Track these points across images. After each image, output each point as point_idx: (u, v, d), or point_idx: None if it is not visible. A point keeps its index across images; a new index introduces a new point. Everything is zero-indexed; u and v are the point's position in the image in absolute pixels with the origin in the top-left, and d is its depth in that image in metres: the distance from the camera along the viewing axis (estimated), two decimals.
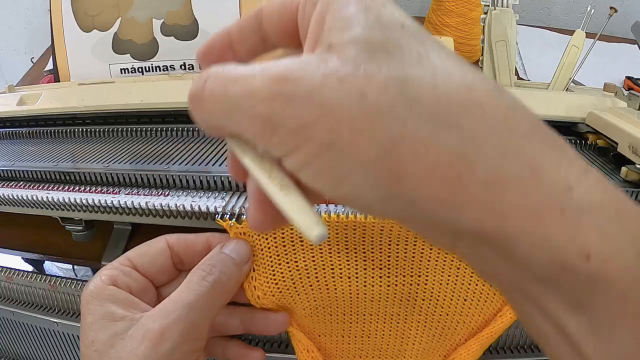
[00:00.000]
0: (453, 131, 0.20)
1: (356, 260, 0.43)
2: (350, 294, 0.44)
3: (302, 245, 0.42)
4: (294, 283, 0.43)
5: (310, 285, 0.43)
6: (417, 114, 0.19)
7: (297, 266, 0.43)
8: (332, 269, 0.43)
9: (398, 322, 0.46)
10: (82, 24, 0.85)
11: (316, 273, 0.43)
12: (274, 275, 0.42)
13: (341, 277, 0.43)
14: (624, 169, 0.56)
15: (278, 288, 0.43)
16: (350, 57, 0.20)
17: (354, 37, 0.21)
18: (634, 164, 0.56)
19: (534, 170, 0.20)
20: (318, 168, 0.21)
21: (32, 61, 1.14)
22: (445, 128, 0.20)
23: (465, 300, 0.44)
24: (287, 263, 0.43)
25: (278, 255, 0.42)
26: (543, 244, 0.20)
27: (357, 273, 0.43)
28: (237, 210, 0.46)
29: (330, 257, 0.43)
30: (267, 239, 0.42)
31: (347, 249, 0.42)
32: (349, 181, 0.20)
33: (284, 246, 0.42)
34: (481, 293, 0.43)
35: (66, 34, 0.86)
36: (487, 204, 0.20)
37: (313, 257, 0.43)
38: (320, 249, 0.42)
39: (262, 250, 0.42)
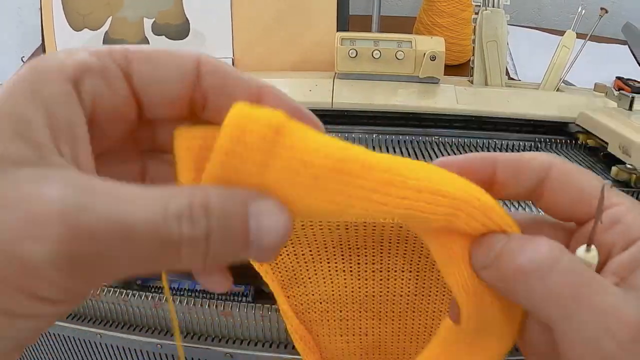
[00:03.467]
0: None
1: (351, 256, 0.43)
2: (346, 287, 0.44)
3: (305, 237, 0.42)
4: (294, 273, 0.43)
5: (309, 278, 0.43)
6: None
7: (296, 258, 0.43)
8: (329, 262, 0.43)
9: (393, 320, 0.46)
10: (73, 22, 0.85)
11: (314, 265, 0.43)
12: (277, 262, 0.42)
13: (337, 271, 0.43)
14: (614, 168, 0.57)
15: (281, 277, 0.43)
16: None
17: None
18: (624, 163, 0.56)
19: None
20: None
21: (22, 60, 1.13)
22: None
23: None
24: (288, 254, 0.43)
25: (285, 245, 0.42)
26: None
27: (351, 268, 0.43)
28: None
29: (326, 250, 0.43)
30: None
31: (341, 244, 0.42)
32: None
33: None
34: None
35: (57, 33, 0.85)
36: None
37: (310, 250, 0.43)
38: (317, 242, 0.42)
39: None
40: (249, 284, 0.56)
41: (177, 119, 0.24)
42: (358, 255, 0.43)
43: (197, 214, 0.19)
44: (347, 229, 0.42)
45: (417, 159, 0.56)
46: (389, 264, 0.43)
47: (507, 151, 0.65)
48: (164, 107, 0.23)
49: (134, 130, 0.24)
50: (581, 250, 0.24)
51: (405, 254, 0.43)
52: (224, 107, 0.21)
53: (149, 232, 0.18)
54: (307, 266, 0.43)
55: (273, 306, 0.54)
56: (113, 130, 0.23)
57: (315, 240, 0.42)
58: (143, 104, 0.23)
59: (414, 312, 0.45)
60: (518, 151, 0.64)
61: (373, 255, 0.43)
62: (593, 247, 0.24)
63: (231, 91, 0.23)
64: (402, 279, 0.44)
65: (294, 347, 0.54)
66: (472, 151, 0.65)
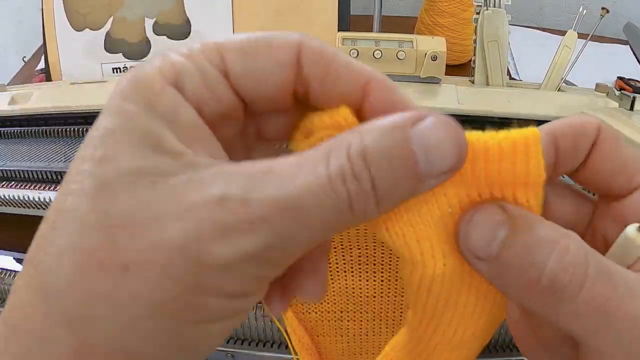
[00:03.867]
0: None
1: (351, 256, 0.43)
2: (347, 288, 0.44)
3: None
4: None
5: None
6: None
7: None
8: (329, 263, 0.43)
9: (394, 321, 0.46)
10: (74, 22, 0.85)
11: None
12: None
13: (337, 272, 0.43)
14: None
15: None
16: None
17: None
18: None
19: None
20: None
21: (23, 60, 1.13)
22: None
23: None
24: None
25: None
26: None
27: (352, 267, 0.43)
28: None
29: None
30: None
31: (342, 245, 0.42)
32: None
33: None
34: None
35: (58, 32, 0.85)
36: None
37: None
38: None
39: None
40: None
41: (282, 109, 0.22)
42: (359, 256, 0.43)
43: (358, 167, 0.18)
44: (347, 230, 0.42)
45: None
46: (389, 264, 0.43)
47: None
48: (266, 101, 0.22)
49: (242, 127, 0.23)
50: (632, 229, 0.22)
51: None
52: (329, 97, 0.21)
53: (318, 202, 0.18)
54: None
55: None
56: (222, 132, 0.21)
57: None
58: (245, 100, 0.21)
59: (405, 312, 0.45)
60: None
61: (374, 256, 0.43)
62: None
63: (334, 81, 0.21)
64: (397, 278, 0.44)
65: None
66: None
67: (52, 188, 0.56)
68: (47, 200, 0.52)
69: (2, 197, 0.55)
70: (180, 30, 0.83)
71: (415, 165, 0.18)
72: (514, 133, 0.20)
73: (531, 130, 0.20)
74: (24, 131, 0.71)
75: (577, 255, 0.20)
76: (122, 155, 0.18)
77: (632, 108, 0.64)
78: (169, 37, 0.84)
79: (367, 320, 0.46)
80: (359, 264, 0.43)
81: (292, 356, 0.49)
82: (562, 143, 0.23)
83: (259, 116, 0.23)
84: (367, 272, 0.43)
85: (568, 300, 0.20)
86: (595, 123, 0.23)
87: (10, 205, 0.56)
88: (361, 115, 0.21)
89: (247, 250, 0.17)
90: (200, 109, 0.20)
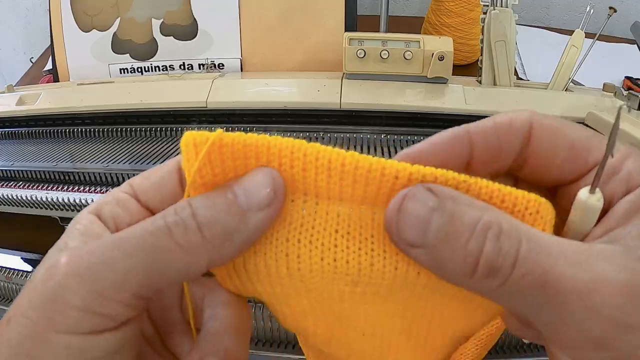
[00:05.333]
0: None
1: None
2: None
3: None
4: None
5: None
6: None
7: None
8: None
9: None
10: (82, 23, 0.85)
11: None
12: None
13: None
14: None
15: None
16: None
17: None
18: None
19: None
20: None
21: (31, 61, 1.14)
22: None
23: (465, 297, 0.43)
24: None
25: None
26: None
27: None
28: None
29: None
30: None
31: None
32: None
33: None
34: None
35: (65, 33, 0.86)
36: None
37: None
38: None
39: None
40: None
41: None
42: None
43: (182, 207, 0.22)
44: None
45: None
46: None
47: None
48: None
49: None
50: (584, 192, 0.21)
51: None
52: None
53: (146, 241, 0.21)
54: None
55: None
56: None
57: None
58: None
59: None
60: None
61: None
62: (598, 189, 0.21)
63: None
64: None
65: (294, 346, 0.54)
66: None
67: (59, 188, 0.56)
68: (55, 201, 0.53)
69: (10, 197, 0.55)
70: (187, 30, 0.84)
71: (235, 198, 0.21)
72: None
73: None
74: (31, 131, 0.71)
75: (509, 234, 0.20)
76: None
77: (639, 108, 0.64)
78: (176, 38, 0.84)
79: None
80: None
81: (294, 356, 0.49)
82: (480, 143, 0.23)
83: None
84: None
85: (503, 279, 0.19)
86: (524, 116, 0.23)
87: (18, 205, 0.56)
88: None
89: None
90: (116, 222, 0.25)
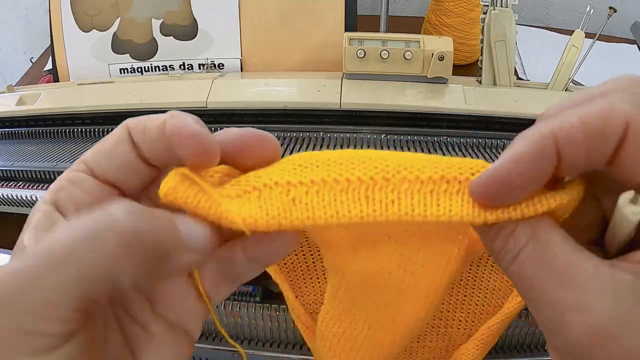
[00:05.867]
0: None
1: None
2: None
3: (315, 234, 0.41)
4: (304, 271, 0.43)
5: (317, 278, 0.43)
6: None
7: (304, 257, 0.42)
8: None
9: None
10: (82, 24, 0.85)
11: (322, 264, 0.43)
12: None
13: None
14: None
15: (289, 276, 0.43)
16: None
17: None
18: None
19: None
20: None
21: (31, 61, 1.14)
22: None
23: (465, 296, 0.44)
24: (296, 253, 0.42)
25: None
26: None
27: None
28: None
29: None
30: None
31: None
32: None
33: None
34: (480, 290, 0.43)
35: (65, 34, 0.86)
36: None
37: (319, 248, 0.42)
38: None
39: None
40: (257, 285, 0.56)
41: None
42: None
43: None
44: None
45: None
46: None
47: None
48: None
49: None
50: (625, 198, 0.19)
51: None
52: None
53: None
54: (315, 266, 0.43)
55: (281, 306, 0.54)
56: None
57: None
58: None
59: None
60: None
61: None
62: None
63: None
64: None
65: (301, 347, 0.54)
66: (480, 151, 0.65)
67: None
68: None
69: (10, 196, 0.55)
70: (187, 30, 0.84)
71: (180, 233, 0.23)
72: None
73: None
74: (31, 131, 0.71)
75: (519, 235, 0.22)
76: None
77: None
78: (176, 38, 0.84)
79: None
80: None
81: (299, 356, 0.49)
82: (567, 152, 0.20)
83: None
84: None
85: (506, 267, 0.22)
86: (621, 117, 0.20)
87: (17, 205, 0.56)
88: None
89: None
90: (76, 205, 0.25)
